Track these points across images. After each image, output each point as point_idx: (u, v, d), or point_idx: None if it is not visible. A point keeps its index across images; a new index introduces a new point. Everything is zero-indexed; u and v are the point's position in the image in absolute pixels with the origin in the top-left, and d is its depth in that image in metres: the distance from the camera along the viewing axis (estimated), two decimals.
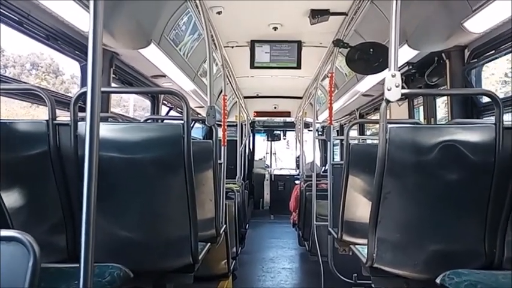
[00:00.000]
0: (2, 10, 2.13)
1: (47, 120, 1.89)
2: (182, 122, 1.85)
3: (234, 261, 3.93)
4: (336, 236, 2.87)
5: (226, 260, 3.48)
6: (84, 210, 1.07)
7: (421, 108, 4.16)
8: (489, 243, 1.86)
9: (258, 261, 5.51)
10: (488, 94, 1.91)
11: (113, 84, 3.41)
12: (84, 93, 1.24)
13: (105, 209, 1.83)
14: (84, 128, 1.10)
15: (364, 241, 2.00)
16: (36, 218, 1.97)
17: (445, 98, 3.55)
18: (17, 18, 2.25)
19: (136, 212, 1.95)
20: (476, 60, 3.07)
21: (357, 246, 2.40)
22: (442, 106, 3.87)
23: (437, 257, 1.89)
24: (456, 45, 3.13)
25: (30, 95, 2.38)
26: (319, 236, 3.95)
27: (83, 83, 3.06)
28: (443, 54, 3.32)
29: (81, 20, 2.47)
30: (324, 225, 3.48)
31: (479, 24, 2.63)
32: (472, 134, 1.83)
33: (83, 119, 1.78)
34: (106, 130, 1.84)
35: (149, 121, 3.00)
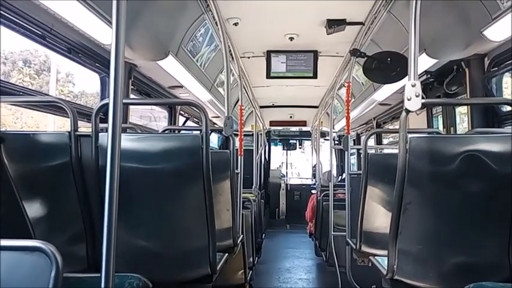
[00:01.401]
0: (25, 24, 2.20)
1: (69, 132, 1.93)
2: (200, 132, 1.87)
3: (251, 272, 3.91)
4: (354, 247, 2.83)
5: (243, 270, 3.47)
6: (106, 220, 1.08)
7: (440, 117, 4.10)
8: None
9: (275, 272, 5.46)
10: (509, 103, 1.88)
11: (131, 96, 3.46)
12: (105, 104, 1.27)
13: (125, 219, 1.84)
14: (105, 139, 1.12)
15: (384, 252, 1.97)
16: (57, 228, 2.00)
17: (464, 106, 3.50)
18: (40, 32, 2.32)
19: (155, 222, 1.96)
20: (496, 68, 3.02)
21: (376, 257, 2.36)
22: (460, 114, 3.81)
23: (460, 269, 1.85)
24: (476, 53, 3.09)
25: (53, 107, 2.43)
26: (337, 246, 3.91)
27: (103, 94, 3.12)
28: (462, 63, 3.27)
29: (102, 33, 2.53)
30: (342, 235, 3.44)
31: (499, 32, 2.59)
32: (494, 143, 1.79)
33: (103, 130, 1.82)
34: (126, 141, 1.86)
35: (167, 131, 3.03)
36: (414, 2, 1.66)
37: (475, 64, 3.18)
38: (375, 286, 2.90)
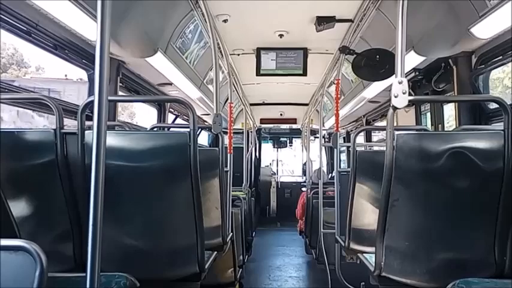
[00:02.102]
0: (10, 20, 2.16)
1: (54, 129, 1.90)
2: (188, 130, 1.86)
3: (241, 270, 3.91)
4: (343, 244, 2.85)
5: (232, 269, 3.47)
6: (91, 219, 1.07)
7: (429, 114, 4.13)
8: (499, 252, 1.83)
9: (265, 270, 5.47)
10: (496, 100, 1.90)
11: (120, 93, 3.43)
12: (92, 101, 1.25)
13: (112, 217, 1.83)
14: (91, 136, 1.10)
15: (372, 249, 1.98)
16: (43, 227, 1.97)
17: (452, 103, 3.53)
18: (25, 28, 2.28)
19: (143, 220, 1.94)
20: (483, 66, 3.05)
21: (364, 254, 2.37)
22: (449, 111, 3.85)
23: (446, 265, 1.87)
24: (463, 51, 3.11)
25: (38, 104, 2.40)
26: (326, 243, 3.93)
27: (90, 91, 3.09)
28: (450, 60, 3.30)
29: (89, 29, 2.49)
30: (331, 233, 3.45)
31: (486, 30, 2.61)
32: (480, 140, 1.81)
33: (90, 127, 1.79)
34: (113, 139, 1.85)
35: (155, 129, 3.01)
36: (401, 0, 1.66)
37: (463, 61, 3.20)
38: (363, 283, 2.92)
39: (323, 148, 5.57)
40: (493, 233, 1.83)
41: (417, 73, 3.79)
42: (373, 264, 1.98)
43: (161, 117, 4.56)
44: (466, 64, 3.19)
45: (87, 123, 1.87)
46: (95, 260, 1.06)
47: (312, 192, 5.25)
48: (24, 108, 2.47)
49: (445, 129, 3.81)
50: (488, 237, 1.84)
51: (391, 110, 1.72)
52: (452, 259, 1.87)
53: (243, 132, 6.26)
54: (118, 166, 1.83)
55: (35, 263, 0.90)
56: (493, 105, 3.05)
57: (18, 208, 1.86)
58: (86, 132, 1.85)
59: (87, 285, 1.05)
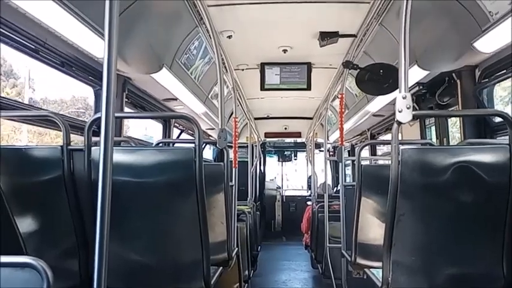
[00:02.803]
0: (18, 38, 2.20)
1: (61, 146, 1.92)
2: (194, 145, 1.87)
3: (246, 285, 3.88)
4: (349, 259, 2.82)
5: (238, 284, 3.44)
6: (98, 235, 1.07)
7: (433, 127, 4.12)
8: (508, 265, 1.81)
9: (271, 284, 5.42)
10: (500, 115, 1.90)
11: (126, 109, 3.46)
12: (98, 118, 1.26)
13: (118, 233, 1.83)
14: (97, 153, 1.11)
15: (379, 264, 1.96)
16: (49, 243, 1.98)
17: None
18: (33, 46, 2.32)
19: (149, 236, 1.95)
20: (487, 80, 3.06)
21: (371, 269, 2.35)
22: (454, 123, 3.84)
23: (454, 280, 1.85)
24: (466, 65, 3.12)
25: (46, 121, 2.43)
26: (332, 258, 3.89)
27: (97, 108, 3.12)
28: (453, 74, 3.30)
29: (95, 47, 2.53)
30: (337, 247, 3.43)
31: (489, 44, 2.62)
32: (485, 154, 1.81)
33: (97, 143, 1.81)
34: (119, 155, 1.86)
35: (161, 144, 3.03)
36: (404, 15, 1.68)
37: (466, 75, 3.21)
38: None
39: (327, 162, 5.55)
40: (500, 246, 1.81)
41: (421, 87, 3.80)
42: (381, 280, 1.96)
43: (166, 132, 4.59)
44: (470, 78, 3.19)
45: (94, 139, 1.89)
46: (101, 276, 1.06)
47: (317, 206, 5.23)
48: (33, 124, 2.50)
49: (450, 142, 3.80)
50: (496, 251, 1.82)
51: (395, 125, 1.72)
52: (460, 273, 1.85)
53: (247, 146, 6.28)
54: (124, 182, 1.84)
55: (42, 279, 0.90)
56: (499, 119, 3.04)
57: (25, 224, 1.87)
58: (93, 148, 1.87)
59: None
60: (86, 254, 1.95)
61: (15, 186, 1.84)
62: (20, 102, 2.40)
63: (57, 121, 1.95)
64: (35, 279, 0.91)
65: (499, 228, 1.79)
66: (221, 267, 2.39)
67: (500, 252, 1.81)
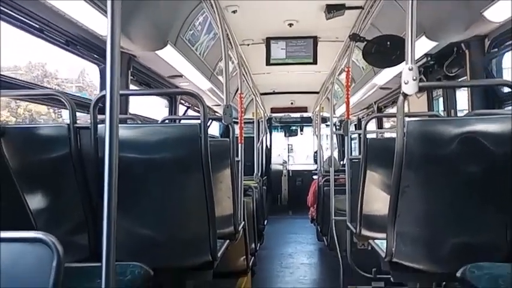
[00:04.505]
0: (23, 18, 2.19)
1: (68, 124, 1.94)
2: (199, 121, 1.88)
3: (253, 258, 3.95)
4: (354, 231, 2.86)
5: (245, 257, 3.51)
6: (105, 210, 1.10)
7: (441, 99, 4.08)
8: (511, 236, 1.82)
9: (277, 257, 5.52)
10: (508, 84, 1.87)
11: (131, 86, 3.46)
12: (104, 96, 1.27)
13: (125, 208, 1.87)
14: (104, 130, 1.13)
15: (383, 235, 1.99)
16: (59, 219, 2.03)
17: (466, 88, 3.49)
18: (38, 26, 2.32)
19: (156, 211, 1.98)
20: (496, 49, 3.00)
21: (375, 240, 2.38)
22: (463, 96, 3.79)
23: (457, 250, 1.87)
24: (476, 35, 3.06)
25: (51, 99, 2.44)
26: (338, 230, 3.94)
27: (102, 85, 3.12)
28: (462, 45, 3.25)
29: (100, 25, 2.52)
30: (343, 220, 3.46)
31: (499, 13, 2.56)
32: (491, 125, 1.79)
33: (103, 121, 1.83)
34: (125, 132, 1.88)
35: (167, 121, 3.04)
36: None
37: (475, 46, 3.15)
38: (375, 269, 2.94)
39: (334, 136, 5.55)
40: (504, 217, 1.82)
41: (429, 58, 3.74)
42: (385, 250, 1.99)
43: (172, 109, 4.59)
44: (479, 48, 3.13)
45: (100, 117, 1.90)
46: (109, 250, 1.09)
47: (323, 179, 5.26)
48: (39, 103, 2.52)
49: (458, 114, 3.76)
50: (500, 222, 1.83)
51: (401, 97, 1.71)
52: (463, 244, 1.87)
53: (253, 122, 6.27)
54: (130, 158, 1.86)
55: (52, 254, 0.92)
56: (507, 89, 3.00)
57: (35, 201, 1.91)
58: (99, 126, 1.88)
59: (103, 275, 1.08)
60: (94, 229, 2.00)
61: (24, 165, 1.87)
62: (23, 81, 2.40)
63: (62, 99, 1.97)
64: (45, 254, 0.93)
65: (503, 198, 1.79)
66: (228, 241, 2.44)
67: (504, 222, 1.82)
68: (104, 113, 1.15)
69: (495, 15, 2.60)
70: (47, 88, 2.99)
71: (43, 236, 0.93)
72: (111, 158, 1.12)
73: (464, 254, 1.84)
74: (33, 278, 0.93)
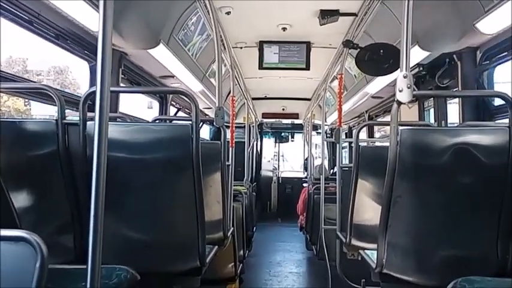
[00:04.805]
0: (11, 9, 2.14)
1: (56, 120, 1.89)
2: (191, 122, 1.84)
3: (241, 265, 3.90)
4: (344, 240, 2.84)
5: (233, 263, 3.46)
6: (92, 211, 1.06)
7: (432, 110, 4.11)
8: (502, 250, 1.81)
9: (265, 265, 5.47)
10: (501, 96, 1.87)
11: (122, 85, 3.41)
12: (93, 92, 1.23)
13: (113, 210, 1.81)
14: (93, 127, 1.09)
15: (374, 246, 1.97)
16: (44, 218, 1.96)
17: (455, 100, 3.51)
18: (27, 18, 2.26)
19: (144, 213, 1.93)
20: (488, 62, 3.03)
21: (366, 251, 2.36)
22: (452, 109, 3.82)
23: (448, 263, 1.85)
24: (468, 46, 3.09)
25: (40, 94, 2.38)
26: (327, 240, 3.91)
27: (92, 82, 3.07)
28: (454, 56, 3.27)
29: (91, 20, 2.48)
30: (332, 229, 3.44)
31: (492, 25, 2.59)
32: (484, 136, 1.79)
33: (92, 118, 1.78)
34: (115, 130, 1.83)
35: (157, 121, 2.99)
36: None
37: (467, 57, 3.18)
38: (364, 280, 2.91)
39: (325, 143, 5.55)
40: (496, 230, 1.81)
41: (421, 68, 3.77)
42: (375, 261, 1.96)
43: (163, 109, 4.55)
44: (471, 60, 3.16)
45: (89, 114, 1.85)
46: (95, 252, 1.05)
47: (313, 187, 5.24)
48: (26, 98, 2.45)
49: (449, 125, 3.79)
50: (491, 235, 1.82)
51: (395, 105, 1.70)
52: (454, 257, 1.86)
53: (244, 127, 6.25)
54: (119, 158, 1.82)
55: (36, 254, 0.89)
56: (498, 102, 3.02)
57: (19, 199, 1.85)
58: (88, 123, 1.84)
59: (88, 278, 1.04)
60: (80, 231, 1.94)
61: (9, 160, 1.81)
62: (11, 74, 2.34)
63: (51, 94, 1.91)
64: (29, 254, 0.89)
65: (494, 211, 1.79)
66: (216, 247, 2.39)
67: (495, 236, 1.81)
68: (93, 110, 1.11)
69: (487, 27, 2.63)
70: (36, 83, 2.93)
71: (27, 235, 0.90)
72: (99, 157, 1.08)
73: (455, 267, 1.82)
74: (15, 278, 0.89)
